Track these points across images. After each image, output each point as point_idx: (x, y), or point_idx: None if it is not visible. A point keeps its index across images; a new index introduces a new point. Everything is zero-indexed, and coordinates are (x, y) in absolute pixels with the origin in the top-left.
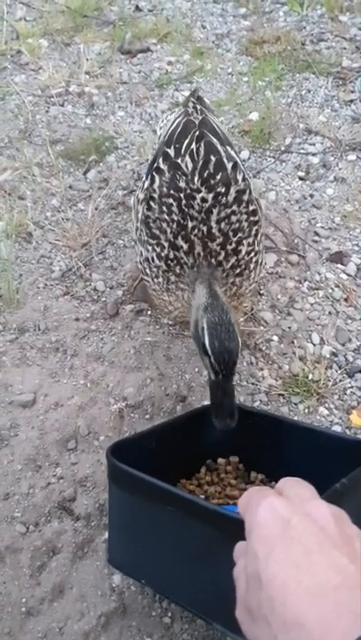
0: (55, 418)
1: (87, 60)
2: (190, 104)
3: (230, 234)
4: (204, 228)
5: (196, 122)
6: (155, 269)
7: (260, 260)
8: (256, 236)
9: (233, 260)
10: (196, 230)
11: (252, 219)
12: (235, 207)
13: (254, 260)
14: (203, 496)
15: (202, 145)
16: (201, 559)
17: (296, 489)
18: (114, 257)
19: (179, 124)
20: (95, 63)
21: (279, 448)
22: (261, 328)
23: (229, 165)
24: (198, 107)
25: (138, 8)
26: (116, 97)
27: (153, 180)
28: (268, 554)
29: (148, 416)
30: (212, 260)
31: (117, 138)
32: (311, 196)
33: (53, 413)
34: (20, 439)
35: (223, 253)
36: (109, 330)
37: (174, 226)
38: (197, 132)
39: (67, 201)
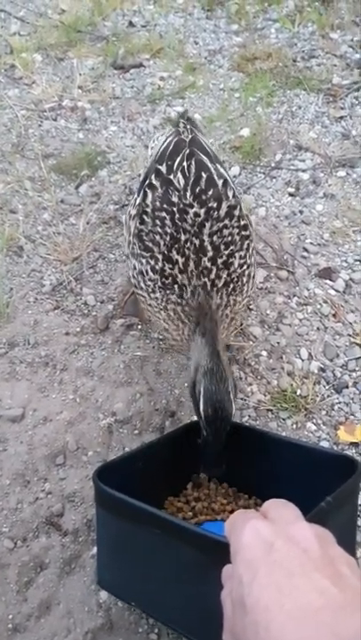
0: (44, 433)
1: (80, 74)
2: (181, 124)
3: (222, 247)
4: (197, 242)
5: (187, 140)
6: (150, 283)
7: (252, 274)
8: (248, 249)
9: (225, 275)
10: (188, 243)
11: (243, 233)
12: (226, 221)
13: (247, 272)
14: (190, 512)
15: (193, 162)
16: (189, 581)
17: (280, 511)
18: (105, 271)
19: (170, 142)
20: (88, 78)
21: (266, 463)
22: (251, 343)
23: (220, 182)
24: (189, 126)
25: (131, 24)
26: (109, 112)
27: (145, 196)
28: (251, 578)
29: (136, 431)
30: (206, 281)
31: (109, 152)
32: (301, 212)
33: (42, 428)
34: (8, 454)
35: (214, 269)
36: (99, 344)
37: (168, 238)
38: (188, 151)
39: (58, 215)
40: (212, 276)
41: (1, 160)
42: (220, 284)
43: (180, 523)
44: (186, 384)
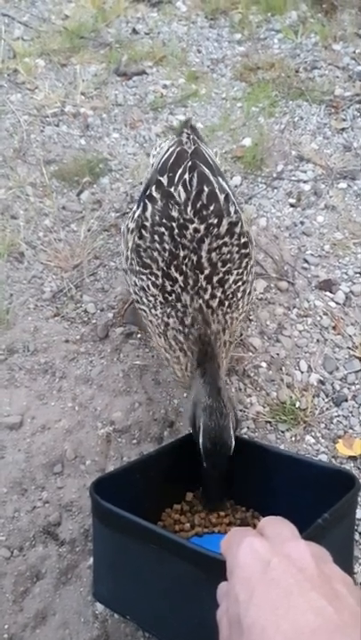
0: (42, 441)
1: (83, 80)
2: (184, 134)
3: (219, 264)
4: (195, 258)
5: (189, 151)
6: (151, 299)
7: (247, 290)
8: (246, 267)
9: (219, 293)
10: (186, 259)
11: (243, 251)
12: (226, 239)
13: (241, 289)
14: (188, 524)
15: (195, 175)
16: (185, 597)
17: (277, 528)
18: (105, 279)
19: (172, 153)
20: (91, 84)
21: (264, 476)
22: (250, 354)
23: (222, 197)
24: (192, 136)
25: (135, 31)
26: (111, 119)
27: (145, 208)
28: (248, 597)
29: (135, 441)
30: (201, 303)
31: (111, 160)
32: (302, 223)
33: (40, 436)
34: (6, 462)
35: (209, 288)
36: (99, 352)
37: (166, 255)
38: (190, 163)
39: (59, 222)
40: (207, 296)
41: (2, 165)
42: (214, 304)
43: (176, 539)
44: (185, 394)
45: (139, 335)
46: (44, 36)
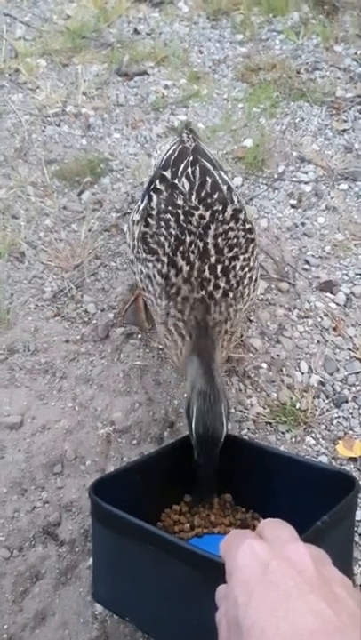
0: (42, 441)
1: (84, 80)
2: (184, 134)
3: (225, 249)
4: (201, 244)
5: (191, 148)
6: (157, 287)
7: (254, 277)
8: (252, 253)
9: (223, 283)
10: (193, 246)
11: (248, 236)
12: (232, 224)
13: (248, 275)
14: (188, 525)
15: (197, 168)
16: (184, 598)
17: (276, 531)
18: (106, 279)
19: (174, 150)
20: (92, 84)
21: (264, 477)
22: (250, 355)
23: (224, 187)
24: (192, 136)
25: (136, 31)
26: (112, 119)
27: (150, 199)
28: (247, 600)
29: (135, 441)
30: (204, 294)
31: (112, 160)
32: (303, 224)
33: (40, 436)
34: (6, 462)
35: (212, 279)
36: (99, 353)
37: (172, 240)
38: (192, 157)
39: (60, 221)
40: (210, 287)
41: (4, 165)
42: (218, 296)
43: (175, 541)
44: (185, 395)
45: (139, 335)
46: (45, 35)
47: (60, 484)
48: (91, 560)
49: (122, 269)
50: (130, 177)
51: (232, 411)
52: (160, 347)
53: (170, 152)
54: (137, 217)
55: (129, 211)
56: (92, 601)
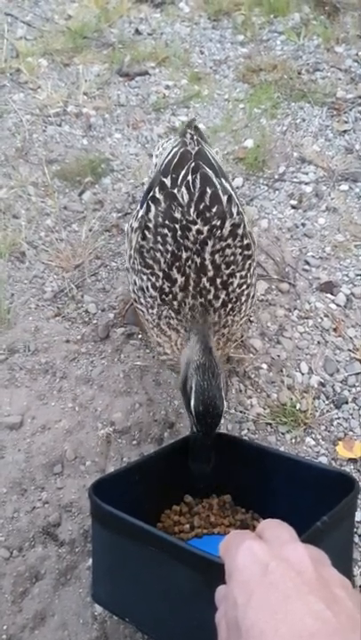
0: (42, 441)
1: (86, 80)
2: (188, 134)
3: (223, 266)
4: (198, 260)
5: (193, 152)
6: (149, 300)
7: (251, 294)
8: (249, 269)
9: (223, 295)
10: (189, 261)
11: (245, 253)
12: (230, 241)
13: (246, 292)
14: (187, 525)
15: (198, 177)
16: (183, 599)
17: (276, 531)
18: (106, 279)
19: (175, 154)
20: (93, 84)
21: (264, 478)
22: (251, 355)
23: (225, 198)
24: (195, 137)
25: (137, 31)
26: (113, 119)
27: (148, 209)
28: (246, 601)
29: (135, 442)
30: (203, 301)
31: (113, 160)
32: (303, 224)
33: (40, 436)
34: (6, 462)
35: (212, 290)
36: (99, 353)
37: (168, 256)
38: (193, 164)
39: (61, 221)
40: (210, 296)
41: (5, 164)
42: (217, 304)
43: (175, 541)
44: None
45: (140, 336)
46: (46, 35)
47: (59, 484)
48: (90, 560)
49: (122, 269)
50: (131, 177)
51: (232, 411)
52: (155, 343)
53: (171, 155)
54: (135, 224)
55: (129, 211)
56: (92, 602)
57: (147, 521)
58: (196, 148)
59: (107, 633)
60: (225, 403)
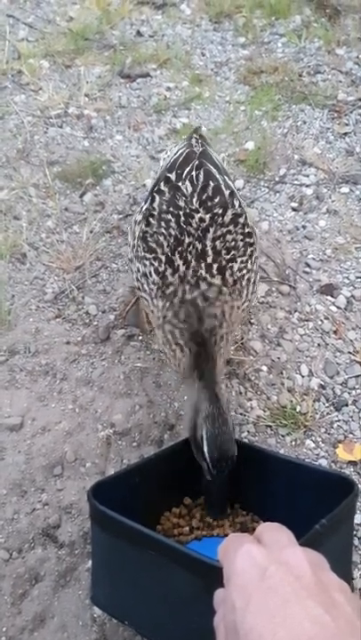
0: (42, 443)
1: (87, 82)
2: (193, 139)
3: (223, 252)
4: (199, 246)
5: (197, 152)
6: (153, 287)
7: (252, 279)
8: (250, 256)
9: (218, 281)
10: (191, 247)
11: (247, 240)
12: (231, 227)
13: (246, 277)
14: (187, 527)
15: (201, 172)
16: (182, 603)
17: (274, 535)
18: (107, 281)
19: (182, 153)
20: (95, 86)
21: (263, 480)
22: (251, 357)
23: (227, 192)
24: (200, 141)
25: (139, 33)
26: (115, 121)
27: (153, 200)
28: (245, 605)
29: (135, 443)
30: (197, 295)
31: (114, 162)
32: (304, 227)
33: (40, 438)
34: (6, 463)
35: (208, 277)
36: (100, 354)
37: (171, 240)
38: (197, 162)
39: (62, 223)
40: (204, 285)
41: (6, 166)
42: (212, 295)
43: (174, 545)
44: (186, 397)
45: (140, 337)
46: (48, 37)
47: (59, 485)
48: (90, 563)
49: (123, 271)
50: (132, 179)
51: (232, 414)
52: (160, 350)
53: (177, 155)
54: (139, 217)
55: (130, 212)
56: (92, 604)
57: (146, 523)
58: (201, 149)
59: (106, 635)
60: (236, 448)
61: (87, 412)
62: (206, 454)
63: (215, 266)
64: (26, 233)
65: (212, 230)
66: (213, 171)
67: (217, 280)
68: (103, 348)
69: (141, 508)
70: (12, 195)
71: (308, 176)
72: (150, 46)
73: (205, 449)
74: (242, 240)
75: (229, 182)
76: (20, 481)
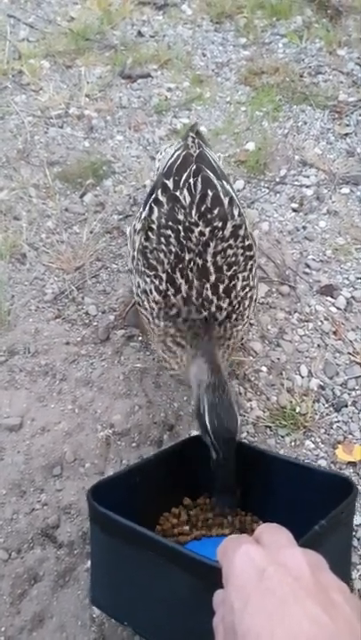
0: (41, 443)
1: (88, 82)
2: (190, 138)
3: (225, 267)
4: (200, 262)
5: (194, 155)
6: (153, 305)
7: (254, 297)
8: (251, 270)
9: (225, 305)
10: (192, 263)
11: (247, 253)
12: (231, 241)
13: (248, 295)
14: (187, 528)
15: (199, 179)
16: (181, 603)
17: (273, 536)
18: (107, 281)
19: (178, 156)
20: (95, 86)
21: (263, 481)
22: (251, 358)
23: (226, 200)
24: (197, 140)
25: (140, 33)
26: (115, 121)
27: (151, 211)
28: (243, 606)
29: (134, 444)
30: (208, 315)
31: (115, 162)
32: (304, 227)
33: (40, 438)
34: (5, 463)
35: (215, 299)
36: (99, 355)
37: (172, 257)
38: (195, 167)
39: (62, 223)
40: (213, 308)
41: (6, 166)
42: (221, 317)
43: (173, 546)
44: (185, 398)
45: (140, 338)
46: (49, 37)
47: (59, 486)
48: (89, 563)
49: (123, 271)
50: (132, 179)
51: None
52: (159, 358)
53: (174, 158)
54: (138, 226)
55: (130, 213)
56: (90, 604)
57: (145, 524)
58: (198, 151)
59: (105, 635)
60: (239, 419)
61: (87, 413)
62: (208, 424)
63: (221, 287)
64: (26, 233)
65: (212, 245)
66: (211, 176)
67: (225, 304)
68: (103, 348)
69: (141, 508)
70: (12, 195)
71: (308, 177)
72: (151, 47)
73: (207, 419)
74: (242, 254)
75: (228, 187)
76: (19, 481)
